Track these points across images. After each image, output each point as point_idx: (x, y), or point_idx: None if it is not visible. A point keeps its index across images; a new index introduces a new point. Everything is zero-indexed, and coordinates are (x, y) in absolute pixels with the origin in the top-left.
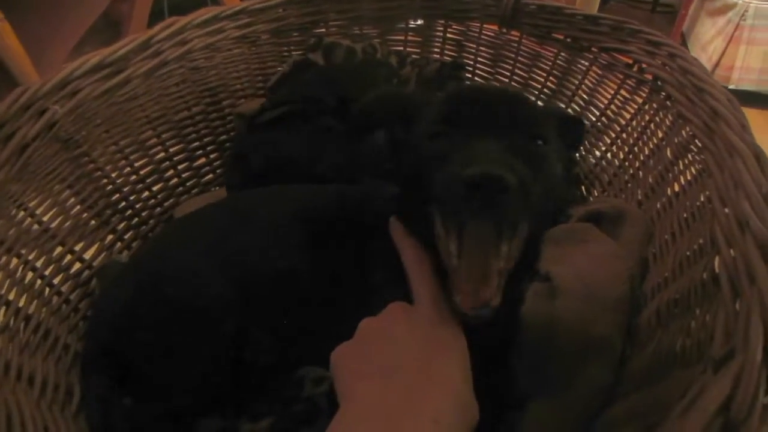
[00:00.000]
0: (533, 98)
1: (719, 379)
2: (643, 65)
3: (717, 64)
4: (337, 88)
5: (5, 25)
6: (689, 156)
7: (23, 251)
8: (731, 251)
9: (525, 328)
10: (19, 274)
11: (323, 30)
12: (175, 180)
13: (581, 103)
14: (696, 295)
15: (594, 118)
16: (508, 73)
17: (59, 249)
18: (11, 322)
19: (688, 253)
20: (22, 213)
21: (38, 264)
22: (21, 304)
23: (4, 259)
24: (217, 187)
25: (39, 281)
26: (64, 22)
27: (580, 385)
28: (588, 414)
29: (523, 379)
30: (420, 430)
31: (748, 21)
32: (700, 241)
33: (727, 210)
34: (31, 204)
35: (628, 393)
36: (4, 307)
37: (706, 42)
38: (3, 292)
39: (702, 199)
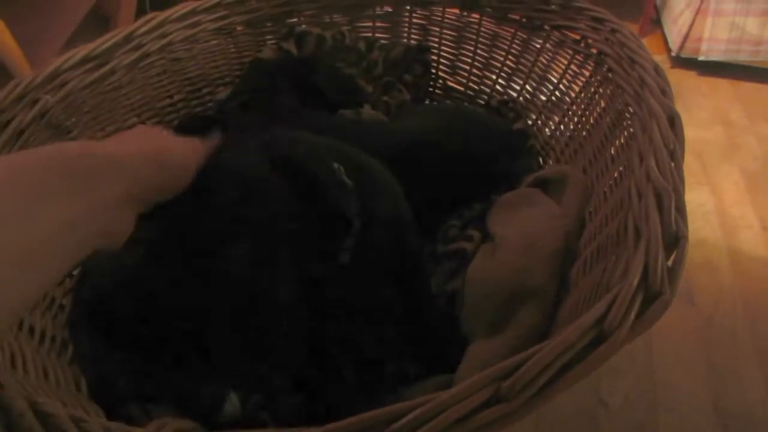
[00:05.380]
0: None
1: (602, 300)
2: (589, 41)
3: (686, 37)
4: (294, 74)
5: (1, 24)
6: (624, 122)
7: None
8: (639, 201)
9: (468, 281)
10: None
11: (295, 20)
12: None
13: (537, 78)
14: (612, 243)
15: (548, 93)
16: (470, 54)
17: None
18: None
19: (613, 208)
20: None
21: None
22: None
23: None
24: None
25: None
26: (55, 20)
27: (514, 326)
28: (523, 350)
29: (466, 325)
30: None
31: None
32: (622, 196)
33: (641, 166)
34: None
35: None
36: None
37: (677, 15)
38: None
39: (628, 159)
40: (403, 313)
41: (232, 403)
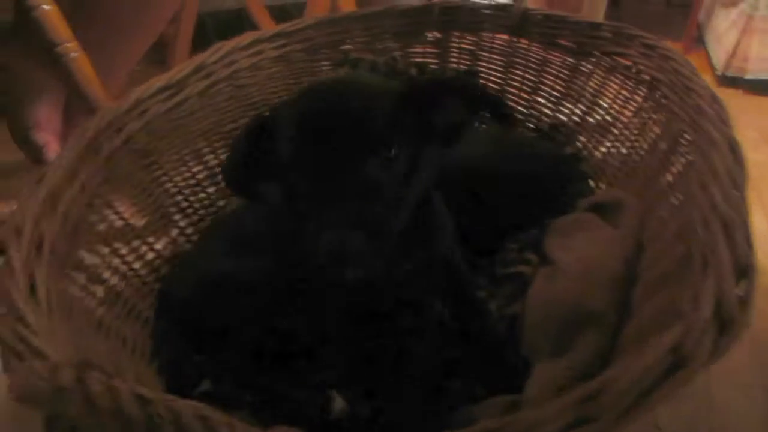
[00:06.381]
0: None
1: (677, 327)
2: (641, 67)
3: (732, 56)
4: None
5: (82, 55)
6: (680, 149)
7: (113, 242)
8: (705, 230)
9: (529, 304)
10: (109, 259)
11: (349, 46)
12: None
13: (587, 103)
14: (675, 270)
15: (599, 117)
16: (519, 78)
17: (137, 240)
18: (107, 296)
19: (673, 235)
20: (110, 211)
21: (123, 252)
22: (113, 282)
23: (99, 248)
24: None
25: (124, 266)
26: (124, 50)
27: (576, 350)
28: (588, 375)
29: (527, 347)
30: None
31: (760, 11)
32: (682, 224)
33: (703, 195)
34: (116, 203)
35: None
36: (102, 285)
37: (721, 34)
38: (100, 272)
39: (688, 187)
40: (463, 334)
41: (339, 402)
